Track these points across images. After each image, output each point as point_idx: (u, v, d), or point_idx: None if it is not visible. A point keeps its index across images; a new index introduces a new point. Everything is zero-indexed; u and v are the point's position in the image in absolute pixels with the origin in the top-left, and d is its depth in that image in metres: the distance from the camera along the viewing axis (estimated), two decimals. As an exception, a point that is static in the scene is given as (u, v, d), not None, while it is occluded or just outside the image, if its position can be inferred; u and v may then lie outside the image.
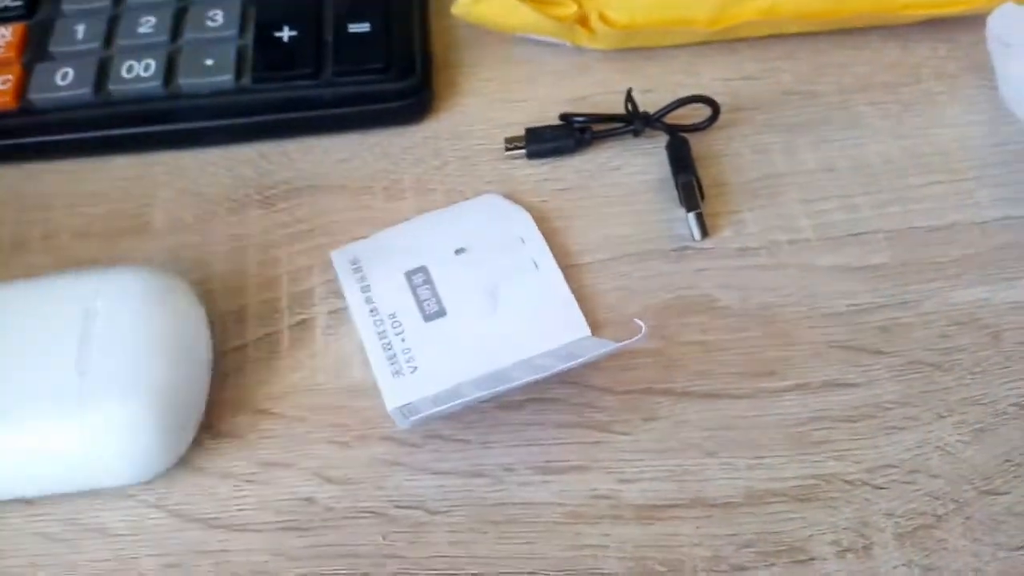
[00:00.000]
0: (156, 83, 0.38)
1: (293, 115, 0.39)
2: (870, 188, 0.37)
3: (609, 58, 0.41)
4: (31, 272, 0.35)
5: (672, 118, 0.38)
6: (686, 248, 0.35)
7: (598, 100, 0.40)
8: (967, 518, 0.29)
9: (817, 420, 0.31)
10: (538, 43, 0.41)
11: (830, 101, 0.39)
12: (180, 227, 0.37)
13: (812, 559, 0.29)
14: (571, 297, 0.34)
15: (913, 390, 0.32)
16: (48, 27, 0.40)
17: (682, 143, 0.37)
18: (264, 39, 0.39)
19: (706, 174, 0.37)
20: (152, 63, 0.39)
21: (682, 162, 0.37)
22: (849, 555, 0.29)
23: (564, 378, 0.33)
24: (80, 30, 0.40)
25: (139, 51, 0.39)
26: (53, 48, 0.40)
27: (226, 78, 0.38)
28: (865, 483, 0.30)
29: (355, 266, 0.35)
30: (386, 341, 0.33)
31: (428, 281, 0.35)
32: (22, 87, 0.39)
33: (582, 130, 0.38)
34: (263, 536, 0.30)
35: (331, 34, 0.39)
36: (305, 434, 0.32)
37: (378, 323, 0.34)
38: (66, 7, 0.41)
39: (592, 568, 0.29)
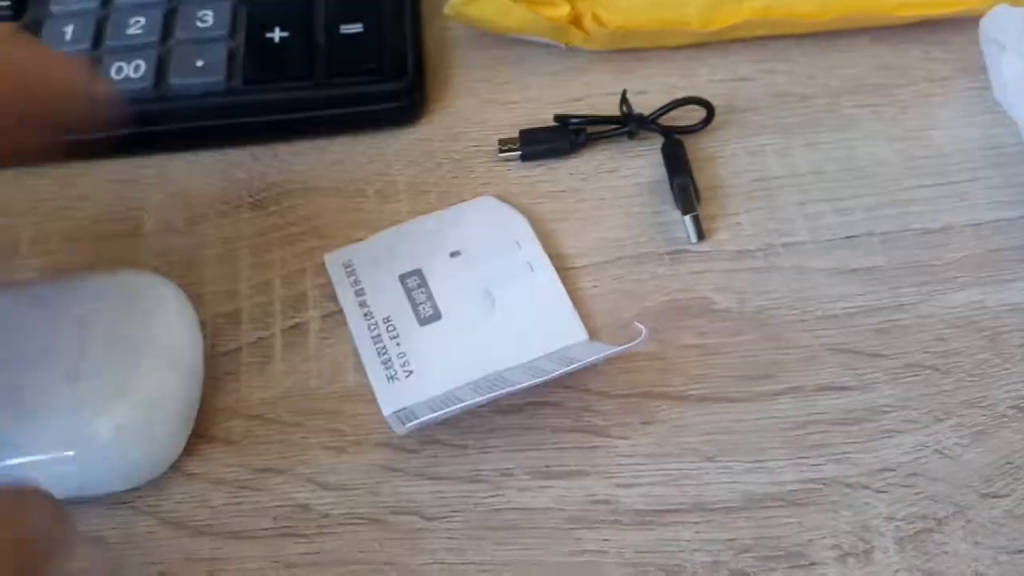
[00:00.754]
0: (146, 84, 0.38)
1: (285, 117, 0.38)
2: (864, 190, 0.36)
3: (603, 59, 0.40)
4: (20, 277, 0.35)
5: (667, 120, 0.38)
6: (682, 251, 0.35)
7: (592, 102, 0.39)
8: (967, 521, 0.29)
9: (815, 424, 0.31)
10: (532, 44, 0.41)
11: (824, 103, 0.39)
12: (171, 230, 0.37)
13: (812, 564, 0.29)
14: (567, 300, 0.34)
15: (911, 393, 0.32)
16: (36, 28, 0.40)
17: (677, 145, 0.37)
18: (255, 40, 0.39)
19: (701, 176, 0.37)
20: (142, 64, 0.38)
21: (677, 164, 0.36)
22: (850, 559, 0.29)
23: (561, 382, 0.32)
24: (69, 31, 0.39)
25: (128, 52, 0.38)
26: (41, 49, 0.39)
27: (217, 79, 0.38)
28: (864, 487, 0.30)
29: (349, 269, 0.35)
30: (381, 345, 0.33)
31: (423, 284, 0.34)
32: (9, 88, 0.38)
33: (576, 132, 0.38)
34: (257, 543, 0.30)
35: (323, 35, 0.39)
36: (300, 440, 0.32)
37: (372, 327, 0.34)
38: (54, 8, 0.40)
39: (591, 574, 0.29)
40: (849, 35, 0.41)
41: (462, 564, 0.29)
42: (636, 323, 0.30)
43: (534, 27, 0.40)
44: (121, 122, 0.30)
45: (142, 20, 0.39)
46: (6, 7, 0.40)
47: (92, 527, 0.30)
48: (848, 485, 0.30)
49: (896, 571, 0.28)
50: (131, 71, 0.38)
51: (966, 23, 0.39)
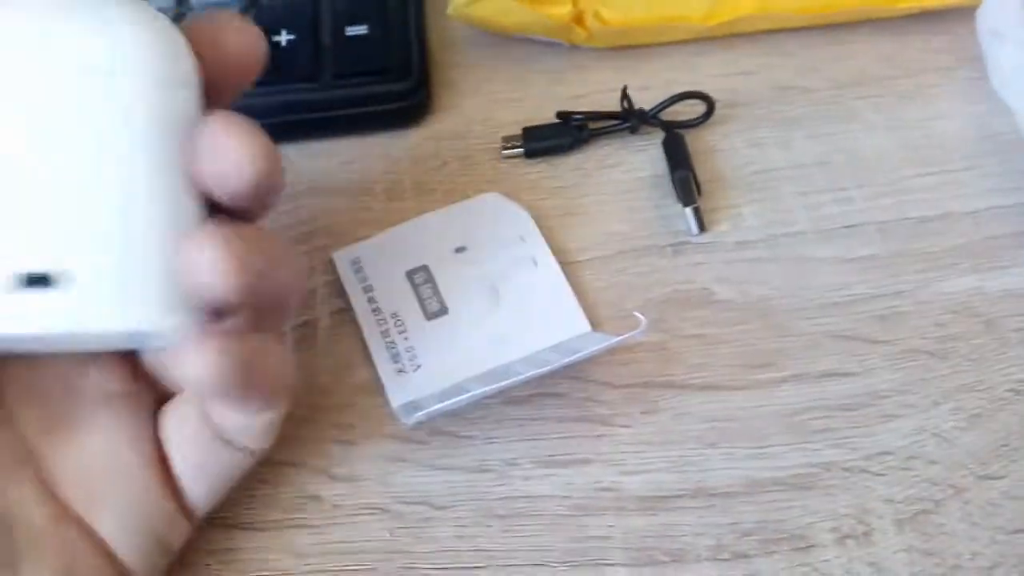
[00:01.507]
0: (157, 89, 0.39)
1: (292, 118, 0.39)
2: (864, 180, 0.37)
3: (605, 56, 0.41)
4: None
5: (668, 114, 0.38)
6: (683, 243, 0.36)
7: (595, 98, 0.40)
8: (965, 503, 0.30)
9: (815, 409, 0.32)
10: (534, 43, 0.41)
11: (824, 95, 0.40)
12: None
13: (812, 546, 0.29)
14: (571, 293, 0.35)
15: (910, 378, 0.32)
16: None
17: (678, 139, 0.38)
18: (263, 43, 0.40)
19: (702, 169, 0.37)
20: (153, 70, 0.39)
21: (678, 158, 0.37)
22: (849, 541, 0.29)
23: (566, 373, 0.33)
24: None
25: (139, 58, 0.39)
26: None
27: (226, 83, 0.39)
28: (864, 470, 0.30)
29: (357, 266, 0.36)
30: (389, 340, 0.34)
31: (429, 280, 0.35)
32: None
33: (579, 128, 0.38)
34: (270, 534, 0.31)
35: (329, 37, 0.40)
36: (311, 433, 0.33)
37: (381, 322, 0.34)
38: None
39: (597, 559, 0.30)
40: (848, 27, 0.41)
41: (470, 551, 0.30)
42: (635, 313, 0.31)
43: (536, 26, 0.40)
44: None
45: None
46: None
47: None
48: (848, 469, 0.31)
49: (895, 552, 0.29)
50: (142, 77, 0.39)
51: (965, 14, 0.40)
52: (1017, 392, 0.32)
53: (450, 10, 0.40)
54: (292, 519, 0.31)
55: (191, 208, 0.25)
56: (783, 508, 0.30)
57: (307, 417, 0.33)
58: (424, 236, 0.36)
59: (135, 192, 0.24)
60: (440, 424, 0.32)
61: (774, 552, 0.29)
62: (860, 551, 0.29)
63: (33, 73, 0.24)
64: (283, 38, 0.40)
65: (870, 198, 0.36)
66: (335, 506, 0.31)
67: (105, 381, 0.28)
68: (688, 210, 0.36)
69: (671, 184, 0.37)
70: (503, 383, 0.31)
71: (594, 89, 0.40)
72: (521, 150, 0.38)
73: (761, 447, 0.31)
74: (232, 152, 0.24)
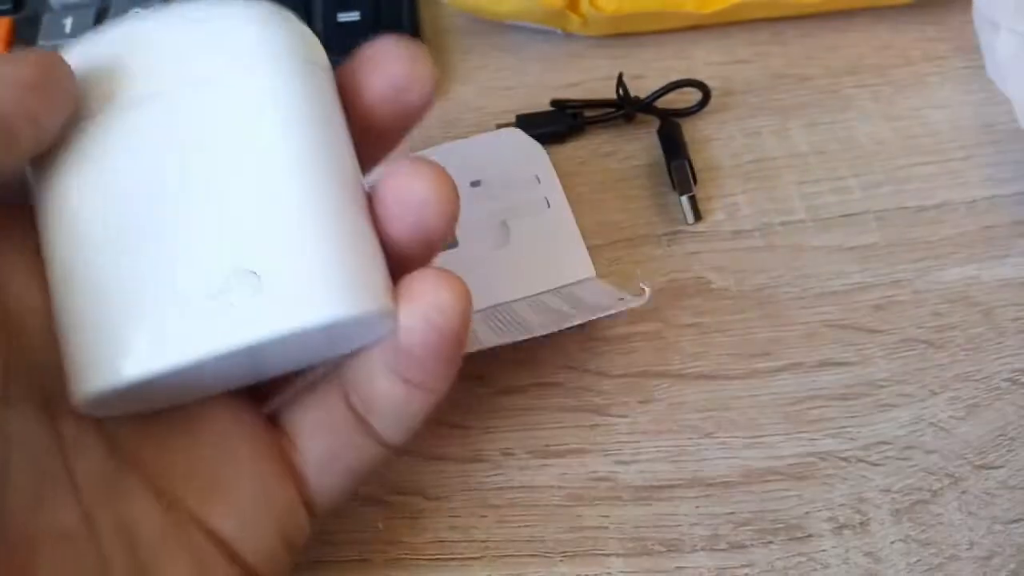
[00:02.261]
0: (147, 75, 0.38)
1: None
2: (861, 169, 0.37)
3: (600, 44, 0.41)
4: None
5: (663, 103, 0.38)
6: (679, 232, 0.36)
7: (589, 87, 0.40)
8: (962, 493, 0.29)
9: (812, 399, 0.32)
10: (528, 31, 0.41)
11: (821, 84, 0.39)
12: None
13: (809, 536, 0.29)
14: (579, 237, 0.35)
15: (907, 367, 0.32)
16: (35, 21, 0.40)
17: (674, 127, 0.37)
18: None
19: (698, 158, 0.37)
20: (142, 55, 0.38)
21: (674, 146, 0.37)
22: (846, 531, 0.29)
23: (561, 363, 0.33)
24: (68, 24, 0.40)
25: (129, 44, 0.39)
26: (42, 42, 0.39)
27: (217, 69, 0.38)
28: (860, 460, 0.30)
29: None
30: None
31: None
32: (12, 82, 0.38)
33: (574, 116, 0.38)
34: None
35: (320, 23, 0.39)
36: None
37: None
38: (53, 1, 0.41)
39: (592, 549, 0.29)
40: (845, 16, 0.41)
41: (465, 542, 0.30)
42: (640, 283, 0.31)
43: (530, 13, 0.40)
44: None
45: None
46: (5, 1, 0.41)
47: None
48: (844, 459, 0.30)
49: (892, 542, 0.29)
50: (132, 62, 0.38)
51: (962, 2, 0.39)
52: (1014, 382, 0.31)
53: (444, -4, 0.40)
54: (284, 509, 0.31)
55: (359, 189, 0.24)
56: (780, 498, 0.30)
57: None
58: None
59: (305, 183, 0.23)
60: (434, 413, 0.32)
61: (770, 542, 0.29)
62: (857, 541, 0.29)
63: (174, 84, 0.23)
64: (275, 24, 0.39)
65: (867, 187, 0.36)
66: (328, 496, 0.31)
67: None
68: (684, 199, 0.36)
69: (667, 173, 0.36)
70: (510, 337, 0.30)
71: (589, 77, 0.40)
72: (515, 138, 0.38)
73: (758, 437, 0.31)
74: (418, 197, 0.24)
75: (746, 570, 0.29)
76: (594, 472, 0.31)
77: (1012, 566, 0.28)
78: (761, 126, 0.38)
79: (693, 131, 0.38)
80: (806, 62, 0.40)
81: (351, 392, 0.25)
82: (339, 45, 0.38)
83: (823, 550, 0.29)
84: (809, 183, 0.36)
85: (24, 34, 0.40)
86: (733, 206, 0.36)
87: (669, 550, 0.29)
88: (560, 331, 0.30)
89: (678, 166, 0.36)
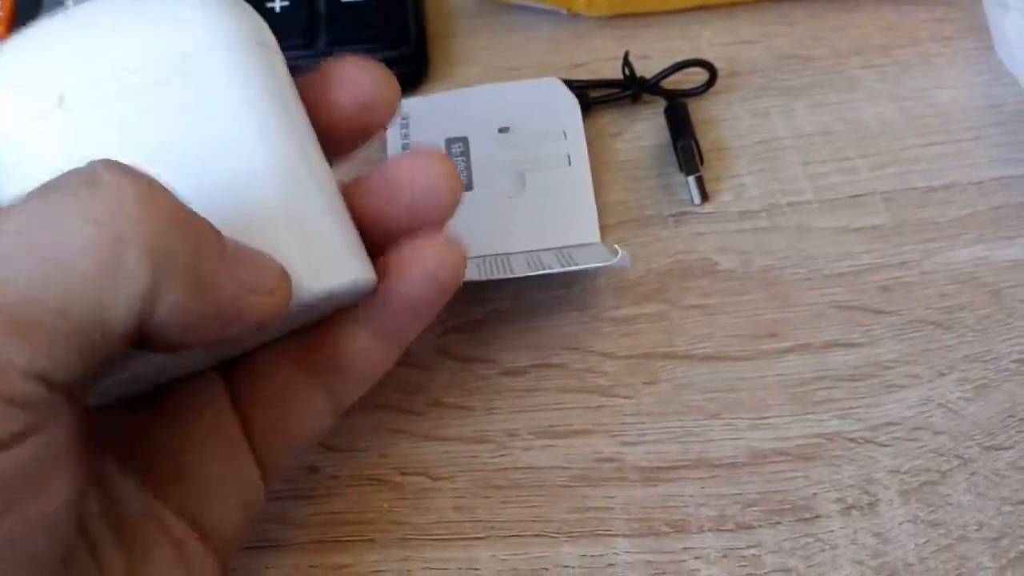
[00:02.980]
0: (149, 55, 0.38)
1: (287, 86, 0.38)
2: (868, 150, 0.36)
3: (605, 25, 0.40)
4: None
5: (670, 83, 0.38)
6: (686, 213, 0.35)
7: (595, 67, 0.39)
8: (971, 474, 0.29)
9: (819, 380, 0.31)
10: (534, 11, 0.41)
11: (827, 64, 0.39)
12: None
13: (817, 516, 0.29)
14: (592, 200, 0.35)
15: (915, 348, 0.32)
16: (38, 2, 0.40)
17: (680, 108, 0.37)
18: (256, 9, 0.39)
19: (705, 138, 0.37)
20: (145, 35, 0.38)
21: (681, 127, 0.36)
22: (854, 512, 0.29)
23: (566, 344, 0.32)
24: (70, 4, 0.39)
25: (131, 24, 0.39)
26: (44, 23, 0.39)
27: (219, 49, 0.38)
28: (868, 441, 0.30)
29: (404, 120, 0.36)
30: None
31: (465, 153, 0.35)
32: (14, 62, 0.38)
33: (580, 97, 0.38)
34: (268, 505, 0.30)
35: (324, 3, 0.39)
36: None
37: None
38: (53, -14, 0.40)
39: (597, 530, 0.29)
40: (852, -4, 0.41)
41: (470, 522, 0.30)
42: (616, 245, 0.31)
43: (535, -7, 0.40)
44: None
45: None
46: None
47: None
48: (852, 440, 0.30)
49: (900, 523, 0.29)
50: (134, 42, 0.38)
51: (970, -18, 0.39)
52: (1023, 363, 0.31)
53: (448, -24, 0.40)
54: (289, 490, 0.30)
55: (325, 162, 0.25)
56: (787, 479, 0.30)
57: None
58: (474, 107, 0.37)
59: (280, 158, 0.23)
60: (438, 395, 0.32)
61: (778, 523, 0.29)
62: (865, 522, 0.29)
63: (131, 70, 0.23)
64: (277, 4, 0.39)
65: (874, 168, 0.36)
66: (332, 477, 0.31)
67: None
68: (691, 179, 0.35)
69: (673, 153, 0.36)
70: (495, 275, 0.31)
71: (594, 57, 0.40)
72: (520, 119, 0.38)
73: (764, 418, 0.31)
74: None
75: (753, 551, 0.28)
76: (599, 453, 0.31)
77: (1021, 547, 0.28)
78: (768, 107, 0.38)
79: (699, 112, 0.38)
80: (812, 42, 0.40)
81: (312, 357, 0.26)
82: (343, 26, 0.39)
83: (831, 531, 0.29)
84: (816, 164, 0.36)
85: (26, 16, 0.40)
86: (740, 187, 0.36)
87: (676, 531, 0.29)
88: (541, 275, 0.31)
89: (685, 146, 0.36)
